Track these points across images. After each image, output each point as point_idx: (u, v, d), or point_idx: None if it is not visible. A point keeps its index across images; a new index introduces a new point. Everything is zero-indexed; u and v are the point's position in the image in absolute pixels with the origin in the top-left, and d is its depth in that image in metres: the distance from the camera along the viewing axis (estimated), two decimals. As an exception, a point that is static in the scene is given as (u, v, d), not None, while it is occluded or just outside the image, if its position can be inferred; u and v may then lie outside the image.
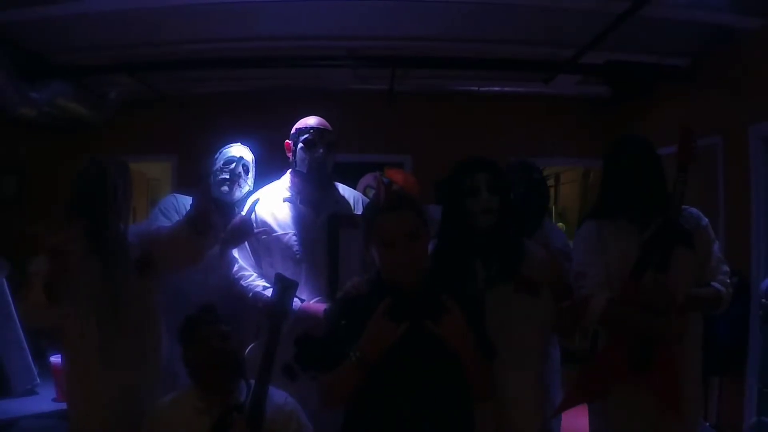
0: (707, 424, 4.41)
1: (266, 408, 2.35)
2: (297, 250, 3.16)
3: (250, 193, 3.48)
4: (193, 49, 5.32)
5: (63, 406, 3.36)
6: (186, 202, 3.51)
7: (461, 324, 2.21)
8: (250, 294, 3.10)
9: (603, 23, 4.50)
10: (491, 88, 6.72)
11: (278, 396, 2.50)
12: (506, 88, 6.72)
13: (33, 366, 3.71)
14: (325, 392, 2.33)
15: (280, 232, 3.18)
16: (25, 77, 5.09)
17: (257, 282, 3.13)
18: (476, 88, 6.74)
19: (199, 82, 6.48)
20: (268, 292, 2.96)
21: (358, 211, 3.36)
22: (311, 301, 3.08)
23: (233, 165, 3.45)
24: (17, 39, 4.93)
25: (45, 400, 3.49)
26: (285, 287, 2.46)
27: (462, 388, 2.29)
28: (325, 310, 2.81)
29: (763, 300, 4.00)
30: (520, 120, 7.01)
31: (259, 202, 3.23)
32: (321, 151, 3.24)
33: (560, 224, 7.53)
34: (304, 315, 2.98)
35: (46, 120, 5.73)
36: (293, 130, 3.33)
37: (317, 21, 4.85)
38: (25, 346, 3.90)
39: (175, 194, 3.69)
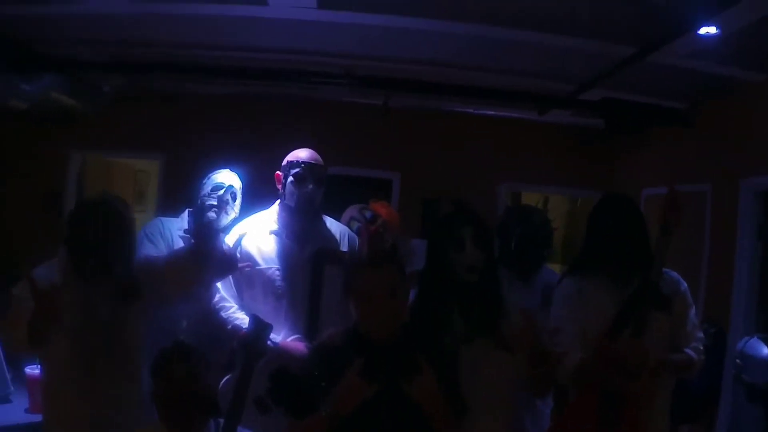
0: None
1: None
2: (279, 285, 3.15)
3: (236, 219, 3.45)
4: (190, 54, 5.29)
5: (36, 417, 3.36)
6: (171, 225, 3.48)
7: (433, 386, 2.22)
8: (229, 326, 3.08)
9: (603, 63, 4.50)
10: (486, 111, 6.72)
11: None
12: (501, 113, 6.71)
13: (7, 374, 3.68)
14: None
15: (263, 266, 3.16)
16: (17, 69, 5.04)
17: (237, 315, 3.11)
18: (472, 110, 6.73)
19: (193, 82, 6.42)
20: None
21: (344, 246, 3.35)
22: (290, 338, 3.07)
23: (221, 192, 3.40)
24: (8, 31, 4.85)
25: (18, 410, 3.46)
26: (259, 329, 2.44)
27: None
28: (303, 351, 2.80)
29: (738, 360, 4.02)
30: (513, 144, 7.03)
31: (246, 231, 3.21)
32: (311, 187, 3.20)
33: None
34: (283, 352, 2.96)
35: (38, 111, 5.69)
36: (284, 162, 3.29)
37: (316, 37, 4.82)
38: (0, 355, 3.85)
39: (161, 218, 3.66)
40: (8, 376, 3.65)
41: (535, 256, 3.67)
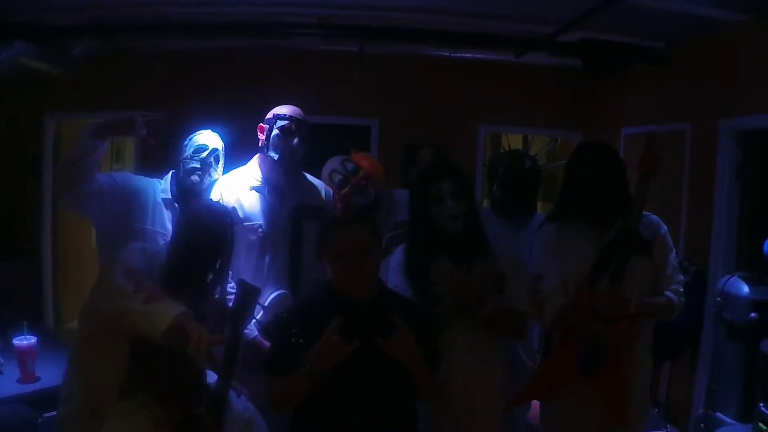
0: (655, 410, 4.52)
1: (226, 415, 2.35)
2: (262, 241, 3.17)
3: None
4: (162, 11, 5.17)
5: (28, 388, 3.38)
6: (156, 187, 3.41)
7: (409, 341, 2.29)
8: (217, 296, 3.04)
9: (580, 6, 4.45)
10: (463, 55, 6.65)
11: (237, 403, 2.48)
12: (478, 55, 6.64)
13: (-4, 347, 3.68)
14: (273, 397, 2.39)
15: (246, 222, 3.17)
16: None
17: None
18: (447, 54, 6.67)
19: (165, 40, 6.30)
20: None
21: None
22: (273, 294, 3.09)
23: (204, 154, 3.32)
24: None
25: (10, 382, 3.44)
26: (247, 293, 2.44)
27: (408, 393, 2.40)
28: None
29: (718, 299, 4.08)
30: (491, 87, 6.94)
31: (227, 188, 3.22)
32: (297, 140, 3.24)
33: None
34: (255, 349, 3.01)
35: (9, 78, 5.59)
36: (270, 115, 3.31)
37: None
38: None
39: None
40: (-2, 349, 3.64)
41: (524, 201, 3.72)
